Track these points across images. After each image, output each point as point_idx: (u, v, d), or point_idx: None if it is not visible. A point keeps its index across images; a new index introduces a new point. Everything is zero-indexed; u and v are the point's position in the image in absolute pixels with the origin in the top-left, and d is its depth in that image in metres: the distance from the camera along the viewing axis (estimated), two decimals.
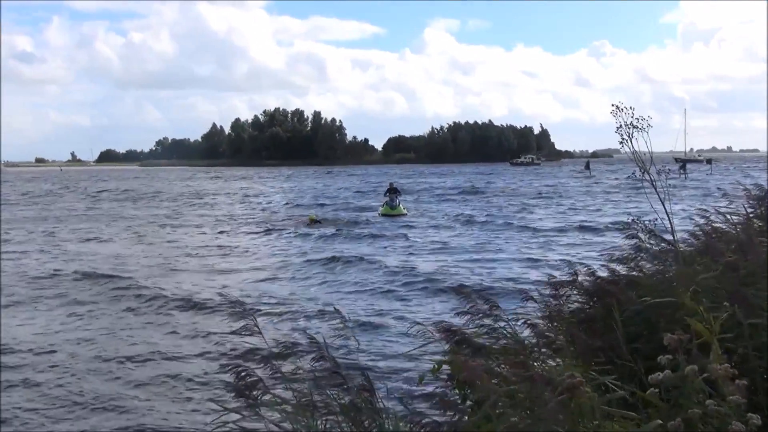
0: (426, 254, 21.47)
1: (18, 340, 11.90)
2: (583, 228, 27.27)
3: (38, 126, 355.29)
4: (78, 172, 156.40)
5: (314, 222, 31.48)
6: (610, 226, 24.53)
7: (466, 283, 14.70)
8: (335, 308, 5.05)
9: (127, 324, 13.16)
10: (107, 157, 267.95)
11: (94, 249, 24.18)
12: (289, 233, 28.52)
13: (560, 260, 17.44)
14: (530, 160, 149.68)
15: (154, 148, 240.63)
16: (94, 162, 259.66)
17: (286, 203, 47.10)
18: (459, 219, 32.55)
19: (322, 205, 44.97)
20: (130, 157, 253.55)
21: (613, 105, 4.12)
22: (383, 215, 34.50)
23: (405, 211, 34.96)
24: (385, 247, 23.53)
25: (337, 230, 28.63)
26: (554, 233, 26.10)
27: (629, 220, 5.09)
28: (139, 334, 12.36)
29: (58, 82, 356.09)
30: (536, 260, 19.25)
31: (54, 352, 11.32)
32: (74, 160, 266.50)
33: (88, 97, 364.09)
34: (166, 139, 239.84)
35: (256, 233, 29.06)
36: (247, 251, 23.58)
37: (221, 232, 29.39)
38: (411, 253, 21.72)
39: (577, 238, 24.63)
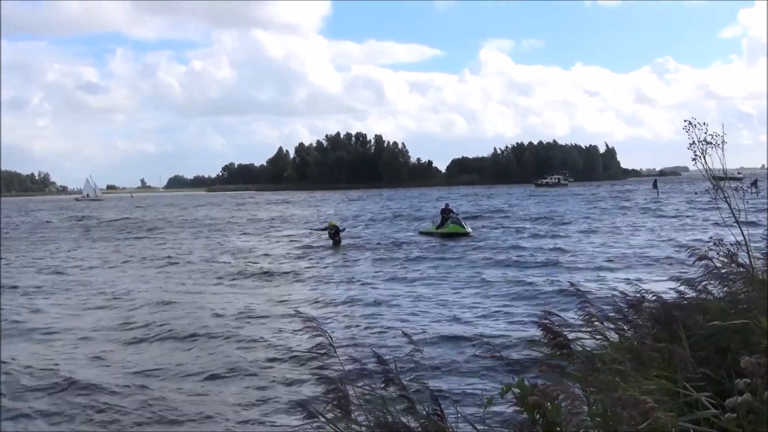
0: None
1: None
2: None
3: (107, 154, 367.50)
4: (151, 198, 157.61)
5: (333, 227, 30.89)
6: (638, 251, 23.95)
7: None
8: (403, 332, 5.06)
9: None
10: (175, 183, 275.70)
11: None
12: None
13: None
14: (556, 180, 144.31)
15: (221, 174, 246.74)
16: (162, 188, 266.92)
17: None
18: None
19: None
20: (198, 182, 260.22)
21: (685, 121, 4.07)
22: (449, 233, 34.06)
23: (471, 231, 34.87)
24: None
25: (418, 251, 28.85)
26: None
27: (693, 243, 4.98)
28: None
29: (123, 111, 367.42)
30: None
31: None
32: (143, 186, 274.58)
33: (153, 125, 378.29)
34: (232, 164, 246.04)
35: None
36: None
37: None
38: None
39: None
